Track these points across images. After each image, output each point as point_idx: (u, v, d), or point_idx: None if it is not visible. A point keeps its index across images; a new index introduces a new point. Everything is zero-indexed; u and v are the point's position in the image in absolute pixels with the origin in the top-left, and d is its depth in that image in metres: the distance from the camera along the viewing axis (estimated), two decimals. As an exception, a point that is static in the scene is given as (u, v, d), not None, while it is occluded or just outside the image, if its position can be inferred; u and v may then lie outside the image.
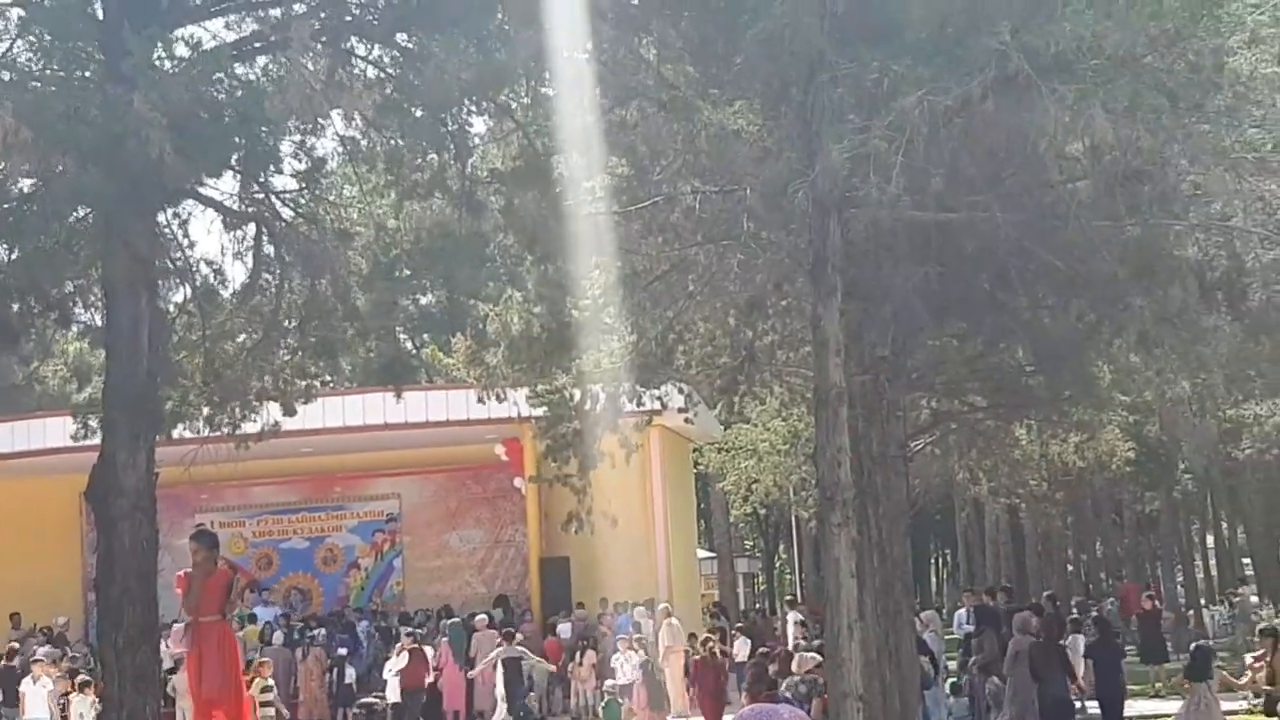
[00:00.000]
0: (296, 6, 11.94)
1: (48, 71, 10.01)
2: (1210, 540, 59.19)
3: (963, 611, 26.76)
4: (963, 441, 22.62)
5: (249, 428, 14.80)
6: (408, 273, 15.42)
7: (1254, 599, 39.88)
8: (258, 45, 12.49)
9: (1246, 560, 51.20)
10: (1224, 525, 53.53)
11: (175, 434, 13.89)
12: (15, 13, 11.71)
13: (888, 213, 11.30)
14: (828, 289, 12.69)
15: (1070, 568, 52.72)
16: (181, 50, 12.24)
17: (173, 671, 21.18)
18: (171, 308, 13.74)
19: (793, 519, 42.14)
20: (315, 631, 27.48)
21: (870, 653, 14.60)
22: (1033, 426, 23.65)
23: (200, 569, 11.87)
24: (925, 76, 11.02)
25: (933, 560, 69.17)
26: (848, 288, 13.46)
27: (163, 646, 22.56)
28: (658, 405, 19.82)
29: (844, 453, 12.47)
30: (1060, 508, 40.61)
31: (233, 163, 11.48)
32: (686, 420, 22.66)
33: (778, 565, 60.98)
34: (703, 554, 40.04)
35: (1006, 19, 10.72)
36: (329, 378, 15.76)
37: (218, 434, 14.30)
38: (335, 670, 26.26)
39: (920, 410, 20.83)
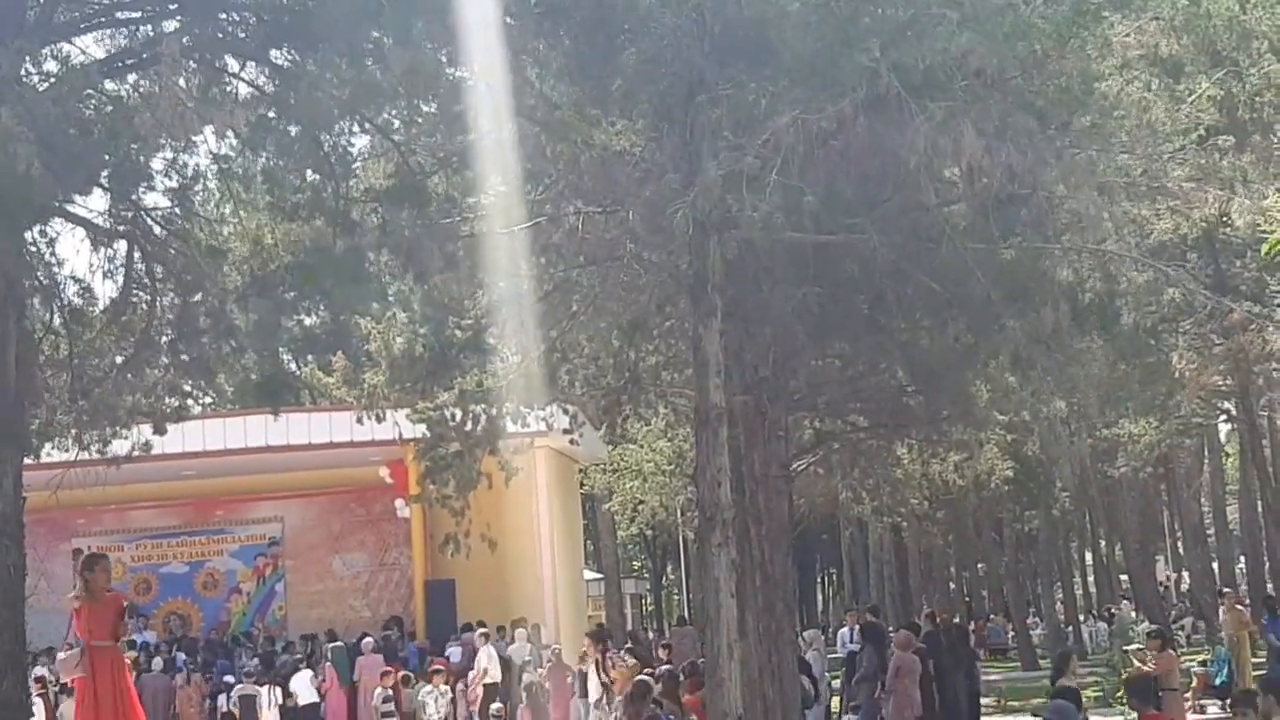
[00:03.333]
0: (167, 24, 11.74)
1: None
2: (1089, 557, 60.37)
3: (846, 630, 26.97)
4: (845, 461, 22.80)
5: (120, 447, 14.50)
6: (291, 293, 15.20)
7: (1131, 614, 40.67)
8: (129, 62, 12.26)
9: (1124, 576, 52.23)
10: (1102, 542, 54.59)
11: (46, 456, 13.56)
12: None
13: (764, 233, 11.37)
14: (708, 309, 12.76)
15: (952, 585, 53.41)
16: (50, 66, 12.06)
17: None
18: (38, 327, 13.42)
19: (680, 539, 42.26)
20: (189, 658, 27.04)
21: (752, 672, 14.67)
22: (913, 446, 23.88)
23: (97, 594, 11.93)
24: (800, 97, 11.13)
25: (818, 579, 69.70)
26: (728, 308, 13.56)
27: (43, 672, 22.14)
28: (542, 426, 19.76)
29: (724, 473, 12.53)
30: (942, 526, 41.18)
31: (102, 180, 11.23)
32: (571, 441, 22.58)
33: (665, 586, 61.07)
34: (590, 575, 39.99)
35: (877, 37, 10.86)
36: (206, 397, 15.48)
37: (87, 454, 13.98)
38: (215, 697, 25.79)
39: (803, 430, 20.99)
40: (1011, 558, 45.61)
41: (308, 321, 44.39)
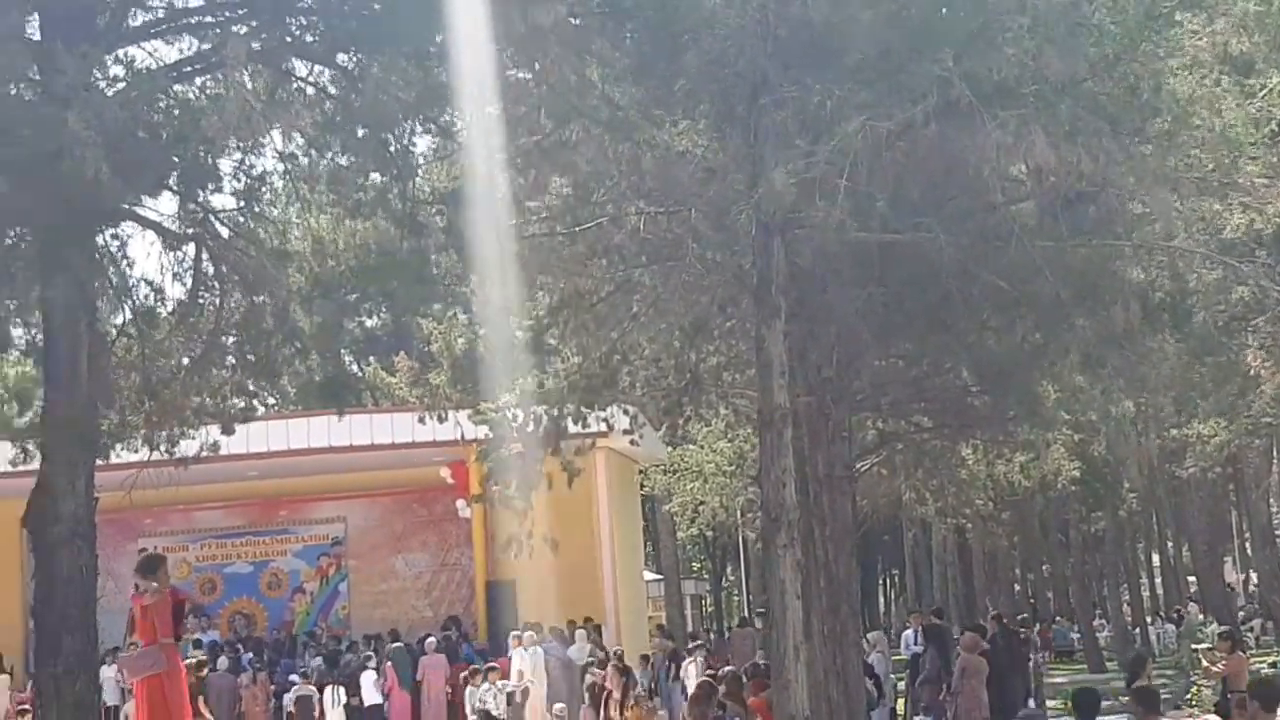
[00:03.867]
0: (235, 27, 11.84)
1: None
2: (1156, 558, 59.68)
3: (910, 632, 26.80)
4: (909, 462, 22.63)
5: (188, 448, 14.64)
6: (354, 295, 15.30)
7: (1199, 616, 40.19)
8: (197, 66, 12.37)
9: (1191, 578, 51.61)
10: (1169, 544, 53.95)
11: (116, 458, 13.70)
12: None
13: (832, 235, 11.30)
14: (771, 311, 12.70)
15: (1017, 587, 53.00)
16: (119, 71, 12.18)
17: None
18: (110, 329, 13.57)
19: (740, 540, 42.14)
20: (255, 657, 27.21)
21: (817, 674, 14.57)
22: (979, 446, 23.70)
23: (159, 594, 12.07)
24: (868, 101, 11.06)
25: (880, 580, 69.35)
26: (792, 309, 13.48)
27: (108, 673, 22.37)
28: (603, 427, 19.76)
29: (788, 474, 12.46)
30: (1007, 527, 40.82)
31: (171, 182, 11.34)
32: (632, 442, 22.57)
33: (725, 586, 60.96)
34: (650, 576, 39.93)
35: (948, 45, 10.78)
36: (270, 398, 15.61)
37: (157, 455, 14.12)
38: (280, 697, 25.97)
39: (866, 431, 20.86)
40: (1078, 559, 45.17)
41: (369, 323, 44.68)
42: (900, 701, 24.15)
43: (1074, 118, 11.23)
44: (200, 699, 22.59)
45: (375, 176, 13.01)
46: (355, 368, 42.82)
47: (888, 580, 71.34)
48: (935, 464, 22.75)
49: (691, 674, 23.11)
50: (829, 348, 15.90)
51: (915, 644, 25.24)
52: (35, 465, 13.74)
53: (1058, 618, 47.31)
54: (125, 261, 13.00)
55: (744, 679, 19.51)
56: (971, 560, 45.05)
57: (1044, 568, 50.54)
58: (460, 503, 27.72)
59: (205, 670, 23.33)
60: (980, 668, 19.97)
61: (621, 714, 21.13)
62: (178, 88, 12.35)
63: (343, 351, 41.82)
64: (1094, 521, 46.30)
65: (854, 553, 18.09)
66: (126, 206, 11.43)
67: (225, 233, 12.91)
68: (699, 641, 27.58)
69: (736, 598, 55.82)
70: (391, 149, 12.34)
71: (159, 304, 13.48)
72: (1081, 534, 45.54)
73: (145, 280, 13.39)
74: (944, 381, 18.81)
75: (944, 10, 11.31)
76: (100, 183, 9.14)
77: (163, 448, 13.94)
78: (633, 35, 11.81)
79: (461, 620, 28.87)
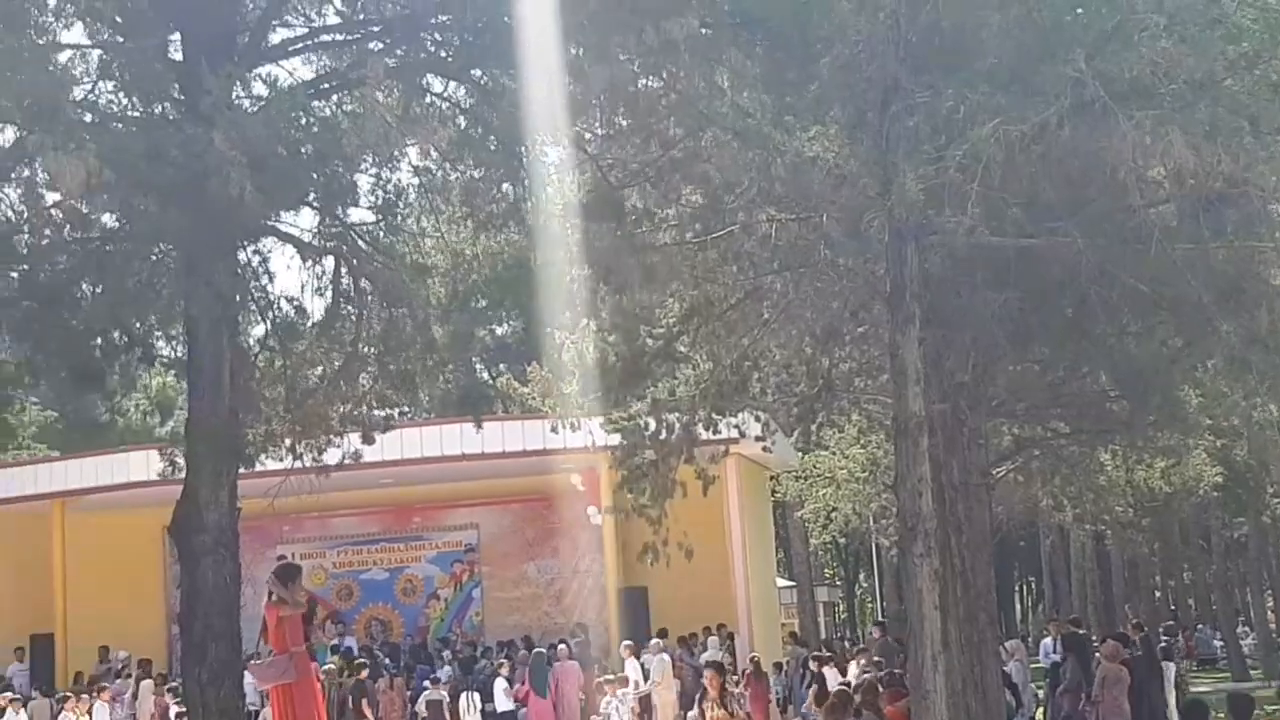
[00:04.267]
0: (372, 45, 12.04)
1: (128, 113, 10.15)
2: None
3: (1049, 640, 26.39)
4: (1046, 468, 22.32)
5: (330, 457, 14.92)
6: (484, 303, 15.47)
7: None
8: (333, 83, 12.60)
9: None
10: (1315, 551, 52.52)
11: (259, 467, 14.00)
12: (96, 55, 11.89)
13: (965, 240, 11.17)
14: (906, 317, 12.59)
15: (1158, 594, 51.87)
16: (260, 89, 12.47)
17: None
18: (252, 342, 13.88)
19: (873, 547, 41.80)
20: (393, 662, 27.60)
21: (955, 683, 14.38)
22: (1117, 452, 23.29)
23: (299, 606, 12.38)
24: (1000, 104, 10.92)
25: (1017, 588, 68.33)
26: (926, 315, 13.35)
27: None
28: (734, 434, 19.74)
29: (925, 482, 12.34)
30: (1146, 534, 40.02)
31: (310, 198, 11.56)
32: (764, 448, 22.51)
33: (858, 594, 60.52)
34: (782, 583, 39.78)
35: (1080, 46, 10.60)
36: (408, 408, 15.85)
37: (300, 464, 14.41)
38: (415, 701, 26.30)
39: (1002, 437, 20.59)
40: (1220, 566, 44.13)
41: (499, 331, 45.13)
42: (1040, 711, 23.78)
43: (1213, 117, 10.98)
44: (364, 701, 23.12)
45: (507, 188, 13.15)
46: (486, 376, 43.30)
47: (1024, 588, 70.29)
48: (1073, 470, 22.41)
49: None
50: (964, 354, 15.70)
51: (1054, 653, 24.88)
52: (178, 476, 14.15)
53: (1200, 625, 46.28)
54: (267, 276, 13.28)
55: (880, 688, 19.40)
56: (1110, 567, 44.21)
57: (1185, 574, 49.46)
58: (592, 509, 27.88)
59: (365, 673, 23.77)
60: (1121, 676, 19.64)
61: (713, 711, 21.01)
62: (315, 105, 12.61)
63: (474, 360, 42.31)
64: (1236, 527, 45.26)
65: (991, 561, 17.85)
66: (267, 223, 11.67)
67: (364, 246, 13.13)
68: (829, 654, 27.37)
69: (871, 605, 55.37)
70: (524, 161, 12.46)
71: (300, 318, 13.75)
72: (1224, 540, 44.54)
73: (286, 298, 13.63)
74: (1081, 386, 18.51)
75: (1076, 10, 11.11)
76: (244, 200, 9.35)
77: (306, 457, 14.21)
78: (764, 43, 11.78)
79: (588, 627, 29.07)
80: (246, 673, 22.48)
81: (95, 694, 24.81)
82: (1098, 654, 21.05)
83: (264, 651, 19.71)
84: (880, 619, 42.67)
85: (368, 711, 24.02)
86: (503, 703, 25.06)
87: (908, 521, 12.41)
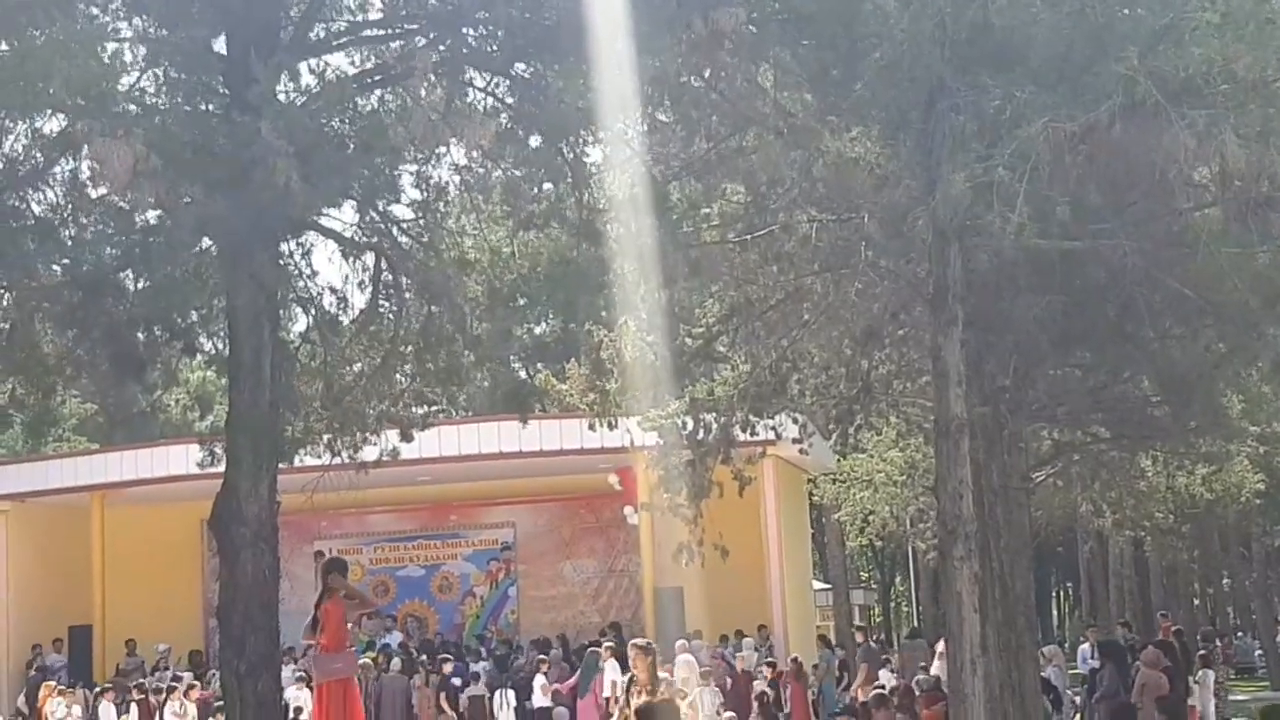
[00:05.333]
0: (416, 40, 12.04)
1: (173, 104, 10.19)
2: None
3: (1086, 646, 26.21)
4: (1086, 473, 22.14)
5: (368, 454, 14.94)
6: (523, 300, 15.45)
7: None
8: (375, 77, 12.61)
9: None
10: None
11: (298, 462, 14.02)
12: (140, 47, 11.94)
13: (1011, 242, 11.07)
14: (948, 319, 12.50)
15: (1196, 601, 51.46)
16: (307, 80, 12.50)
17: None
18: (293, 336, 13.91)
19: (909, 550, 41.61)
20: (426, 658, 27.60)
21: (993, 688, 14.28)
22: (1158, 458, 23.09)
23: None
24: (1049, 103, 10.82)
25: (1054, 594, 67.93)
26: (968, 317, 13.26)
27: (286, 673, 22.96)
28: (771, 435, 19.66)
29: (966, 485, 12.26)
30: (1186, 540, 39.67)
31: (353, 192, 11.57)
32: (801, 450, 22.44)
33: (894, 597, 60.30)
34: (818, 585, 39.65)
35: (1133, 44, 10.50)
36: (447, 406, 15.84)
37: (338, 460, 14.44)
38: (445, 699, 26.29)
39: (1041, 441, 20.44)
40: (1260, 573, 43.75)
41: (537, 329, 45.11)
42: (1078, 718, 23.63)
43: (1265, 118, 10.87)
44: (442, 695, 23.25)
45: (548, 186, 13.13)
46: (523, 374, 43.30)
47: (1061, 593, 69.89)
48: (1113, 475, 22.23)
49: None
50: (1005, 356, 15.58)
51: (1091, 659, 24.71)
52: (215, 469, 14.22)
53: (1239, 633, 45.89)
54: (309, 270, 13.31)
55: (916, 692, 19.32)
56: (1148, 574, 43.92)
57: (1224, 582, 49.03)
58: (628, 509, 27.84)
59: (449, 668, 23.83)
60: (1160, 684, 19.48)
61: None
62: (356, 100, 12.62)
63: (510, 359, 42.33)
64: (1277, 535, 44.85)
65: (1030, 565, 17.73)
66: (310, 216, 11.69)
67: (405, 242, 13.14)
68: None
69: (906, 609, 55.18)
70: (566, 157, 12.44)
71: (340, 313, 13.77)
72: (1264, 548, 44.14)
73: (330, 289, 13.65)
74: (1123, 391, 18.34)
75: (1128, 9, 11.01)
76: (291, 192, 9.36)
77: (344, 453, 14.23)
78: (810, 41, 11.72)
79: (622, 626, 29.03)
80: (289, 667, 22.75)
81: (101, 694, 24.97)
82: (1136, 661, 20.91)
83: (299, 646, 19.81)
84: (915, 624, 42.58)
85: (445, 705, 24.19)
86: (540, 699, 24.99)
87: (948, 525, 12.32)
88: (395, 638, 28.78)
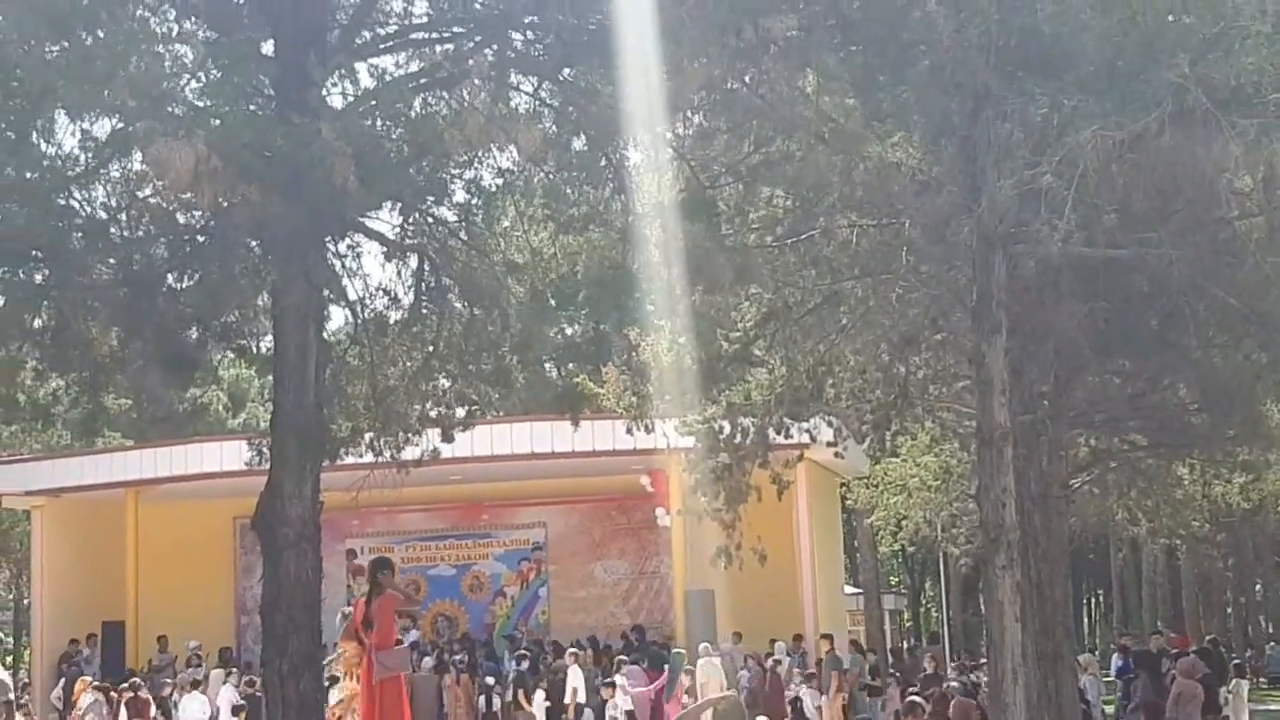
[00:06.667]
0: (464, 44, 12.07)
1: (233, 106, 10.23)
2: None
3: (1119, 656, 26.10)
4: (1123, 481, 22.08)
5: (406, 454, 14.98)
6: (558, 303, 15.48)
7: None
8: (421, 80, 12.64)
9: None
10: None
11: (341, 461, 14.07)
12: (190, 49, 11.99)
13: (1058, 249, 11.04)
14: (992, 326, 12.47)
15: (1229, 610, 51.15)
16: (349, 86, 12.54)
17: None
18: (331, 336, 13.96)
19: (940, 556, 41.47)
20: (460, 656, 27.67)
21: (1030, 696, 14.27)
22: (1195, 466, 22.99)
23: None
24: (1097, 111, 10.79)
25: (1085, 601, 67.59)
26: (1010, 324, 13.23)
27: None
28: (806, 439, 19.65)
29: (1009, 493, 12.23)
30: (1221, 549, 39.46)
31: (404, 193, 11.60)
32: (836, 454, 22.40)
33: (924, 603, 60.12)
34: (849, 590, 39.56)
35: (1184, 51, 10.46)
36: (488, 407, 15.88)
37: (379, 460, 14.49)
38: (483, 698, 26.35)
39: (1079, 448, 20.39)
40: (1294, 583, 43.54)
41: (569, 331, 45.15)
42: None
43: (1317, 127, 10.81)
44: (521, 692, 23.30)
45: (590, 190, 13.15)
46: (555, 375, 43.29)
47: (1093, 601, 69.57)
48: (1150, 483, 22.18)
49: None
50: (1046, 364, 15.57)
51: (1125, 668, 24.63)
52: (247, 467, 14.30)
53: (1271, 643, 45.58)
54: (359, 271, 13.36)
55: (949, 698, 19.27)
56: (1180, 582, 43.69)
57: (1257, 591, 48.73)
58: (660, 511, 27.85)
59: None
60: (1196, 693, 19.42)
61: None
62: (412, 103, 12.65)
63: (545, 360, 42.33)
64: (1312, 545, 44.56)
65: (1068, 574, 17.69)
66: (358, 217, 11.74)
67: (450, 244, 13.17)
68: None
69: (936, 614, 55.00)
70: (611, 162, 12.45)
71: (384, 314, 13.82)
72: (1299, 557, 43.90)
73: (382, 289, 13.69)
74: (1161, 399, 18.30)
75: (1178, 17, 10.97)
76: (347, 192, 9.41)
77: (386, 453, 14.28)
78: (857, 47, 11.71)
79: (645, 629, 29.11)
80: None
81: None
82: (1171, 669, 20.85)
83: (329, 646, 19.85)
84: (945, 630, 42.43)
85: (525, 702, 24.28)
86: (623, 702, 24.83)
87: (990, 533, 12.29)
88: (413, 636, 28.86)
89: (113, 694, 24.96)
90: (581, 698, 24.10)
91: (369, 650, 12.31)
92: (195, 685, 25.22)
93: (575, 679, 24.59)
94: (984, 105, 11.96)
